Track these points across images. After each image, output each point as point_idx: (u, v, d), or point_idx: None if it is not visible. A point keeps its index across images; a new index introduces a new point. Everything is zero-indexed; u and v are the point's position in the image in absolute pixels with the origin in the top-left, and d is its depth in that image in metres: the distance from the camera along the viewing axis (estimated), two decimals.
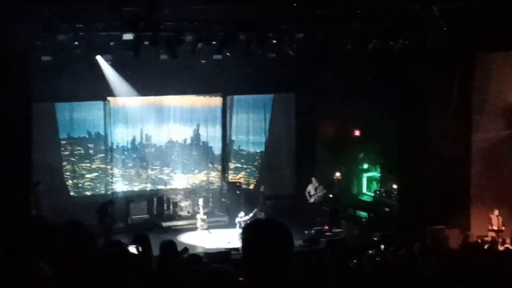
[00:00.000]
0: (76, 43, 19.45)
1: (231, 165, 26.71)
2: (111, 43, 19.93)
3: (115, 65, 22.04)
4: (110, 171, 24.76)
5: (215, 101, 26.19)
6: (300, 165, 26.54)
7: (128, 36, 19.13)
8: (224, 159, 26.52)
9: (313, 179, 24.28)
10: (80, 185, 24.18)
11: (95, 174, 24.60)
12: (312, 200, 24.12)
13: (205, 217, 23.32)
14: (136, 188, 25.25)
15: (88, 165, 24.53)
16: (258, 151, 27.01)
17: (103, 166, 24.68)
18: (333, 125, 25.58)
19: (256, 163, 26.90)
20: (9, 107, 17.42)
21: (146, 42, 19.45)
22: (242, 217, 22.15)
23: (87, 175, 24.46)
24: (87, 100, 23.94)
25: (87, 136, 24.46)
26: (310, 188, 24.23)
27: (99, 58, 21.26)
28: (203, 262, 10.63)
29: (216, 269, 4.28)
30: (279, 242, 3.64)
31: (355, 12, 19.72)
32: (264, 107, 26.83)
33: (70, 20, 18.47)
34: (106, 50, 20.70)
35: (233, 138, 26.68)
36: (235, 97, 26.43)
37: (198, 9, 18.90)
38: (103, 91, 23.32)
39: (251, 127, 26.79)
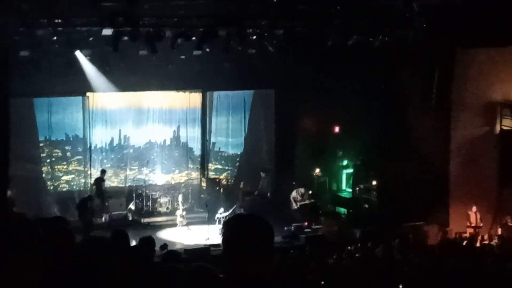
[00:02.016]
0: (55, 38, 19.30)
1: (212, 166, 26.65)
2: (90, 38, 19.82)
3: (94, 60, 21.86)
4: (88, 172, 24.64)
5: (195, 102, 26.06)
6: (279, 161, 26.48)
7: (107, 31, 19.02)
8: (204, 160, 26.46)
9: (302, 189, 24.09)
10: (55, 185, 24.12)
11: (72, 176, 24.56)
12: (297, 206, 23.86)
13: (184, 213, 23.23)
14: (114, 185, 25.13)
15: (65, 167, 24.43)
16: (238, 152, 26.98)
17: (80, 168, 24.60)
18: (312, 121, 25.55)
19: (236, 164, 26.88)
20: None
21: (126, 38, 19.36)
22: (222, 213, 22.09)
23: (63, 177, 24.35)
24: (65, 95, 23.83)
25: (64, 139, 24.37)
26: (295, 194, 23.98)
27: (78, 53, 21.08)
28: (182, 259, 10.58)
29: (198, 267, 4.24)
30: (260, 237, 3.60)
31: (335, 8, 19.74)
32: (244, 105, 26.76)
33: (49, 15, 18.33)
34: (85, 45, 20.55)
35: (213, 140, 26.60)
36: (215, 93, 26.33)
37: (178, 4, 18.86)
38: (82, 86, 23.16)
39: (230, 129, 26.75)
